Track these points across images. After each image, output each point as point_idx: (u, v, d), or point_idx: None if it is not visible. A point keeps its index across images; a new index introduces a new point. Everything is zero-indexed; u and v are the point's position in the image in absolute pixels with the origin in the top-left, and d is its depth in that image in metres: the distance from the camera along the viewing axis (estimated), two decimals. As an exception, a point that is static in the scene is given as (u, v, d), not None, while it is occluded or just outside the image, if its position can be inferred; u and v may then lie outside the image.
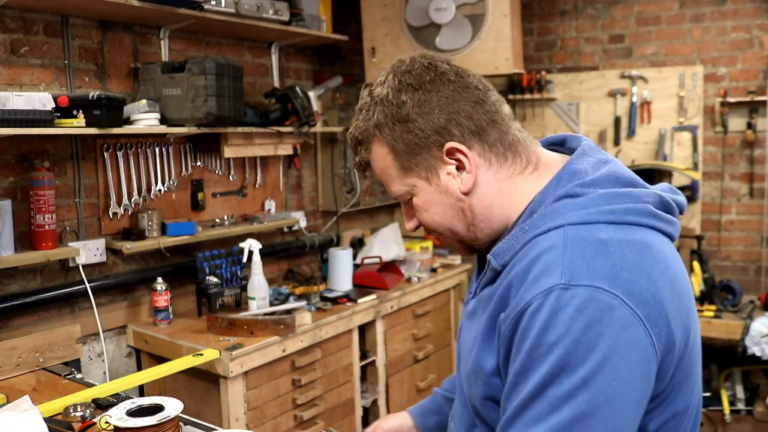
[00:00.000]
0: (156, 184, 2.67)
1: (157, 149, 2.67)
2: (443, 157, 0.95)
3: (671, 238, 0.92)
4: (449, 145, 0.94)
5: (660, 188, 0.98)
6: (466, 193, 0.96)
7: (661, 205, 0.92)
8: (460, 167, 0.95)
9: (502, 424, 0.87)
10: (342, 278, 3.07)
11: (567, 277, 0.81)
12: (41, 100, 2.04)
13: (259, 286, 2.64)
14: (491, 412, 0.93)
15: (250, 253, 2.69)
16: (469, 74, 0.98)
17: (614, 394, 0.79)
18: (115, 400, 1.75)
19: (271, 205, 3.22)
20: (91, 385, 1.97)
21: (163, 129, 2.47)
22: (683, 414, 0.88)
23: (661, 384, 0.84)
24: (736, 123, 3.51)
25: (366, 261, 3.23)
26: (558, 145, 1.05)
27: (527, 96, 3.88)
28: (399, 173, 0.98)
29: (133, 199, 2.59)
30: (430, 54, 1.00)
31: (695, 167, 3.58)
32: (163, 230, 2.64)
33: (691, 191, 3.60)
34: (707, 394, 3.26)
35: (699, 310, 3.18)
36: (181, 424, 1.55)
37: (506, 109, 0.98)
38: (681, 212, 0.98)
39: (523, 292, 0.84)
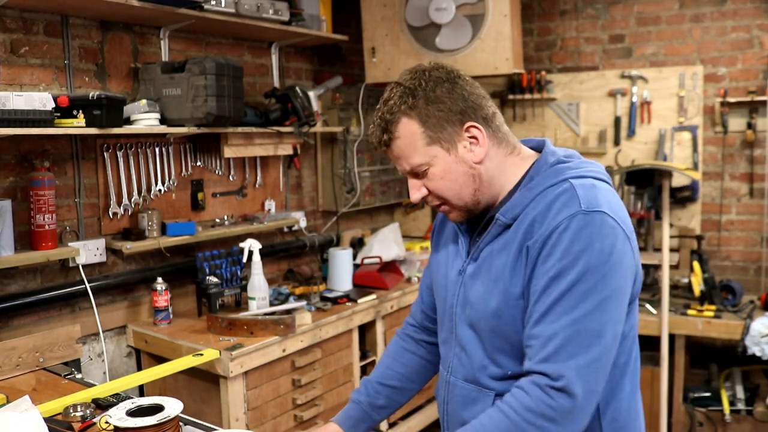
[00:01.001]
0: (156, 184, 2.67)
1: (157, 149, 2.67)
2: (462, 133, 1.20)
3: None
4: (469, 123, 1.20)
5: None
6: (477, 163, 1.21)
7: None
8: (474, 142, 1.21)
9: (534, 320, 1.13)
10: (342, 278, 3.07)
11: (585, 206, 1.12)
12: (41, 100, 2.04)
13: (259, 286, 2.64)
14: (518, 330, 1.18)
15: (250, 253, 2.70)
16: (475, 82, 1.24)
17: (619, 286, 1.12)
18: (115, 400, 1.75)
19: (271, 205, 3.22)
20: (91, 385, 1.97)
21: (163, 129, 2.47)
22: (635, 326, 1.25)
23: (635, 288, 1.19)
24: (736, 123, 3.51)
25: (366, 261, 3.23)
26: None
27: (527, 96, 3.88)
28: (424, 144, 1.20)
29: (133, 199, 2.59)
30: (445, 63, 1.25)
31: (695, 167, 3.58)
32: (163, 230, 2.64)
33: (691, 191, 3.60)
34: (707, 394, 3.26)
35: (699, 310, 3.18)
36: (181, 424, 1.55)
37: (499, 111, 1.28)
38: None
39: (550, 221, 1.13)
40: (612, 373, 1.18)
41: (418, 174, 1.23)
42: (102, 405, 1.74)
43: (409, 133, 1.20)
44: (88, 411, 1.69)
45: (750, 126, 3.45)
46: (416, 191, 1.25)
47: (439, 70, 1.21)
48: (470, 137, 1.21)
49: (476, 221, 1.30)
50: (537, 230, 1.15)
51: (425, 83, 1.20)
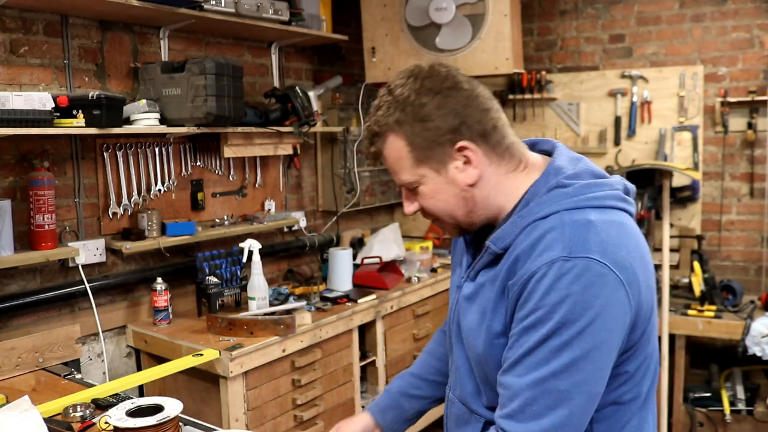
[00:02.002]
0: (156, 184, 2.67)
1: (156, 149, 2.67)
2: (453, 153, 1.10)
3: (632, 216, 1.13)
4: (461, 143, 1.09)
5: (619, 177, 1.18)
6: (471, 185, 1.12)
7: (625, 190, 1.15)
8: (467, 162, 1.10)
9: (504, 368, 1.06)
10: (342, 278, 3.07)
11: (567, 251, 1.00)
12: (41, 99, 2.04)
13: (259, 286, 2.64)
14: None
15: (250, 253, 2.69)
16: (479, 85, 1.13)
17: (602, 341, 1.00)
18: (114, 401, 1.75)
19: (271, 205, 3.22)
20: (90, 386, 1.97)
21: (163, 129, 2.47)
22: (650, 358, 1.12)
23: (635, 333, 1.06)
24: (737, 123, 3.51)
25: (366, 261, 3.23)
26: (530, 147, 1.22)
27: (527, 96, 3.87)
28: (412, 164, 1.12)
29: (132, 199, 2.59)
30: (447, 63, 1.15)
31: (695, 167, 3.58)
32: (163, 230, 2.63)
33: (691, 191, 3.60)
34: (707, 395, 3.26)
35: (699, 310, 3.18)
36: (180, 424, 1.55)
37: (504, 117, 1.15)
38: (633, 196, 1.18)
39: (530, 264, 1.03)
40: (612, 410, 1.10)
41: (411, 189, 1.16)
42: (102, 405, 1.73)
43: (396, 150, 1.12)
44: (87, 411, 1.69)
45: (750, 126, 3.45)
46: (409, 204, 1.18)
47: (433, 78, 1.10)
48: (463, 156, 1.10)
49: (483, 235, 1.20)
50: (519, 269, 1.05)
51: (415, 95, 1.09)
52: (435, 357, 1.46)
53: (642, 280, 1.04)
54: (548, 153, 1.19)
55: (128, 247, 2.46)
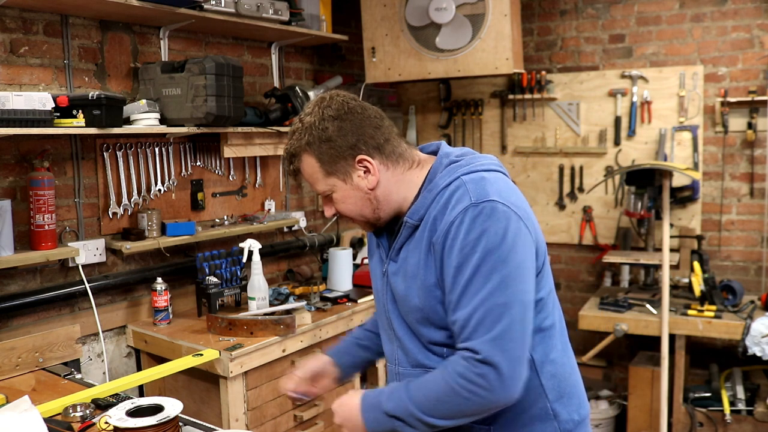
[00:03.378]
0: (156, 184, 2.67)
1: (156, 149, 2.67)
2: (355, 165, 1.35)
3: (508, 177, 1.41)
4: (359, 156, 1.34)
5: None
6: (371, 189, 1.36)
7: (498, 164, 1.43)
8: (367, 171, 1.36)
9: (453, 306, 1.27)
10: (342, 278, 3.07)
11: (474, 199, 1.27)
12: (41, 99, 2.04)
13: (259, 286, 2.64)
14: (441, 317, 1.33)
15: (250, 253, 2.69)
16: (370, 107, 1.39)
17: (520, 260, 1.26)
18: (114, 401, 1.75)
19: (271, 205, 3.22)
20: (90, 386, 1.97)
21: (163, 129, 2.47)
22: (553, 291, 1.41)
23: (539, 261, 1.33)
24: (737, 123, 3.51)
25: (366, 261, 3.23)
26: (420, 151, 1.48)
27: (527, 96, 3.87)
28: (323, 176, 1.36)
29: (132, 199, 2.59)
30: (344, 93, 1.41)
31: (695, 167, 3.58)
32: (163, 230, 2.63)
33: (691, 191, 3.60)
34: (707, 394, 3.26)
35: (699, 311, 3.17)
36: (180, 424, 1.55)
37: (395, 130, 1.43)
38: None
39: (447, 217, 1.28)
40: (540, 336, 1.35)
41: (326, 196, 1.40)
42: (101, 405, 1.73)
43: (309, 166, 1.36)
44: (87, 411, 1.69)
45: (750, 126, 3.45)
46: (328, 209, 1.42)
47: (331, 108, 1.35)
48: (363, 167, 1.34)
49: (392, 226, 1.45)
50: (438, 226, 1.29)
51: (318, 122, 1.34)
52: (369, 331, 1.69)
53: (533, 219, 1.33)
54: (434, 153, 1.44)
55: (128, 247, 2.46)
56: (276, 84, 3.21)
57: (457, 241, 1.26)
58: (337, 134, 1.34)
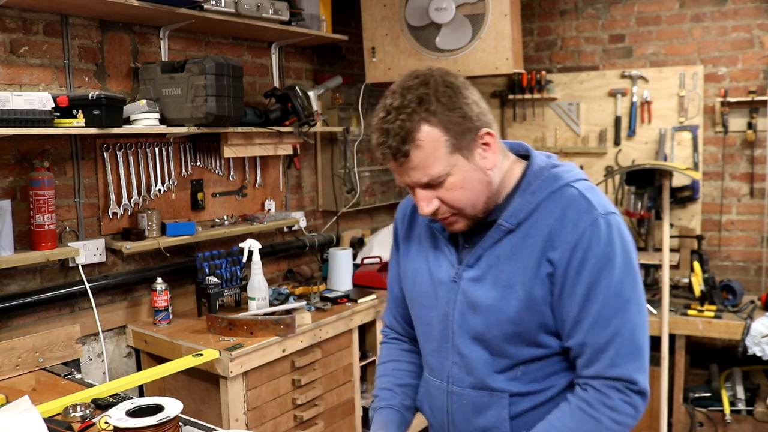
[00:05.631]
0: (156, 184, 2.67)
1: (156, 149, 2.67)
2: (477, 139, 1.18)
3: None
4: (484, 129, 1.18)
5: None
6: (490, 169, 1.20)
7: None
8: (486, 149, 1.19)
9: (585, 327, 1.16)
10: (342, 278, 3.07)
11: (601, 209, 1.18)
12: (41, 99, 2.04)
13: (259, 286, 2.64)
14: (544, 338, 1.22)
15: (250, 253, 2.69)
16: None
17: (639, 279, 1.21)
18: (114, 401, 1.75)
19: (271, 205, 3.22)
20: (90, 386, 1.97)
21: (163, 129, 2.47)
22: None
23: None
24: (737, 123, 3.51)
25: (366, 261, 3.23)
26: None
27: (527, 96, 3.87)
28: (447, 152, 1.15)
29: (132, 199, 2.59)
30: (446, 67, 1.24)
31: (695, 167, 3.58)
32: (163, 230, 2.63)
33: (691, 191, 3.60)
34: (707, 394, 3.26)
35: (699, 311, 3.17)
36: (180, 424, 1.55)
37: None
38: None
39: (572, 229, 1.16)
40: None
41: (433, 185, 1.19)
42: (101, 405, 1.73)
43: (432, 141, 1.14)
44: (87, 411, 1.69)
45: (750, 126, 3.45)
46: (427, 204, 1.20)
47: (448, 76, 1.18)
48: (483, 144, 1.19)
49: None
50: (559, 241, 1.17)
51: (440, 89, 1.15)
52: (405, 361, 1.49)
53: None
54: (515, 152, 1.32)
55: (128, 247, 2.46)
56: (276, 84, 3.21)
57: (589, 257, 1.15)
58: (464, 102, 1.16)
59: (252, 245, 2.69)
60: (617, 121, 3.75)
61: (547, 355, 1.23)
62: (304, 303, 2.70)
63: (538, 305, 1.19)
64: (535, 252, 1.19)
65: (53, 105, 2.08)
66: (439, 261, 1.31)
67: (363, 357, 2.95)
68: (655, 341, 3.20)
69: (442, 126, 1.14)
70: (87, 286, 2.41)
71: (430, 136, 1.14)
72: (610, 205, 1.20)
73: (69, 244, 2.39)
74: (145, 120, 2.40)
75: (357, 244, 3.56)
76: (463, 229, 1.25)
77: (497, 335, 1.23)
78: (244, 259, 2.72)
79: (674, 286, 3.50)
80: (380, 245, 3.30)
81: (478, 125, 1.17)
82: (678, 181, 3.54)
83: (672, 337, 3.16)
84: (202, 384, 2.42)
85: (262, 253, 2.71)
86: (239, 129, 2.71)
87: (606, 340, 1.15)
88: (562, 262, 1.16)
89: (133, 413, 1.41)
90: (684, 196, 3.61)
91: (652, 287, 3.58)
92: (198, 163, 2.87)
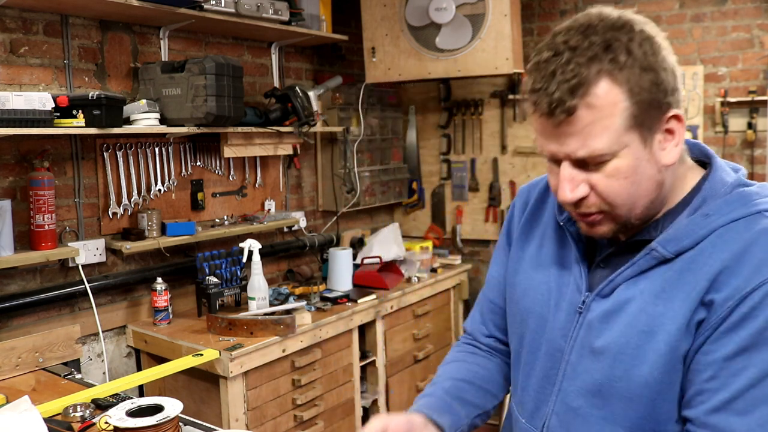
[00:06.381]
0: (156, 184, 2.67)
1: (156, 149, 2.67)
2: (663, 121, 0.89)
3: None
4: (674, 111, 0.89)
5: None
6: (667, 165, 0.90)
7: None
8: (668, 138, 0.90)
9: (716, 402, 0.85)
10: (342, 278, 3.07)
11: None
12: (41, 99, 2.04)
13: (259, 286, 2.64)
14: (671, 406, 0.91)
15: (250, 253, 2.69)
16: None
17: None
18: (114, 401, 1.75)
19: (271, 205, 3.22)
20: (90, 386, 1.97)
21: (163, 129, 2.47)
22: None
23: None
24: (737, 123, 3.51)
25: (366, 261, 3.23)
26: None
27: (527, 96, 3.87)
28: (623, 125, 0.85)
29: (132, 199, 2.59)
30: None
31: (695, 167, 3.58)
32: (163, 230, 2.63)
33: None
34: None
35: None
36: (180, 424, 1.55)
37: None
38: None
39: (752, 273, 0.84)
40: None
41: (588, 164, 0.88)
42: (101, 405, 1.73)
43: (609, 104, 0.84)
44: (87, 411, 1.69)
45: (750, 126, 3.45)
46: (575, 187, 0.90)
47: (649, 25, 0.89)
48: (667, 130, 0.89)
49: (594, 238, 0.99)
50: (728, 282, 0.85)
51: (636, 38, 0.86)
52: (471, 363, 1.21)
53: None
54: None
55: (128, 247, 2.46)
56: (276, 84, 3.21)
57: (761, 312, 0.83)
58: (662, 66, 0.87)
59: (252, 245, 2.69)
60: (617, 121, 3.75)
61: None
62: (304, 303, 2.70)
63: (678, 364, 0.89)
64: (694, 294, 0.87)
65: (53, 105, 2.08)
66: (564, 278, 1.02)
67: (363, 357, 2.95)
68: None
69: (627, 87, 0.84)
70: (87, 286, 2.41)
71: (609, 95, 0.84)
72: None
73: (69, 244, 2.39)
74: (145, 120, 2.40)
75: (357, 244, 3.56)
76: (607, 234, 0.94)
77: (617, 393, 0.92)
78: (244, 259, 2.72)
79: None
80: (380, 245, 3.31)
81: (669, 102, 0.87)
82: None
83: None
84: (202, 384, 2.42)
85: (262, 253, 2.71)
86: (239, 129, 2.71)
87: (746, 428, 0.83)
88: (722, 309, 0.85)
89: (133, 413, 1.41)
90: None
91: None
92: (198, 163, 2.87)
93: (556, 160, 0.91)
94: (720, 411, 0.84)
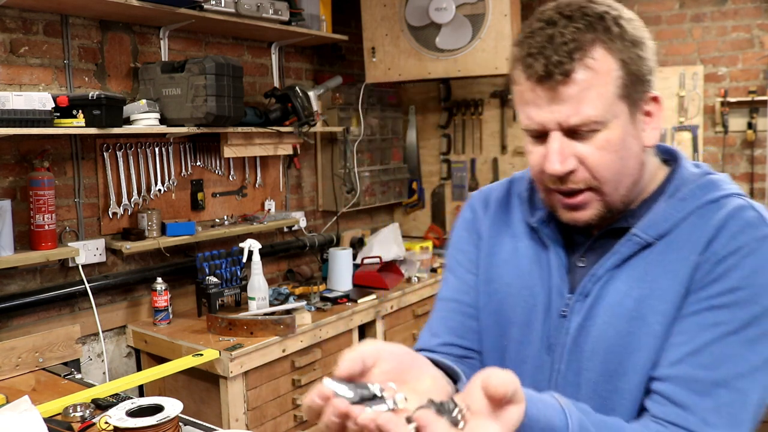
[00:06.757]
0: (156, 184, 2.67)
1: (156, 149, 2.67)
2: (646, 100, 0.91)
3: None
4: (654, 92, 0.91)
5: None
6: (647, 146, 0.92)
7: None
8: (648, 120, 0.92)
9: (685, 352, 0.85)
10: (342, 278, 3.07)
11: None
12: (41, 99, 2.04)
13: (259, 286, 2.64)
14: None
15: (250, 253, 2.69)
16: None
17: None
18: (114, 401, 1.75)
19: (271, 205, 3.22)
20: (90, 386, 1.97)
21: (163, 129, 2.47)
22: None
23: None
24: (737, 123, 3.51)
25: (366, 261, 3.23)
26: None
27: (527, 96, 3.87)
28: (615, 93, 0.86)
29: (132, 199, 2.59)
30: None
31: (695, 167, 3.58)
32: (163, 230, 2.63)
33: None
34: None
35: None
36: (180, 424, 1.55)
37: None
38: None
39: (730, 239, 0.87)
40: None
41: (578, 134, 0.87)
42: (101, 405, 1.73)
43: (605, 70, 0.85)
44: (87, 411, 1.69)
45: (750, 126, 3.45)
46: (564, 158, 0.88)
47: (629, 12, 0.92)
48: (647, 112, 0.91)
49: (568, 235, 0.98)
50: (711, 248, 0.88)
51: (626, 14, 0.90)
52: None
53: None
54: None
55: (128, 247, 2.46)
56: (276, 84, 3.21)
57: (734, 273, 0.85)
58: (648, 43, 0.90)
59: (252, 245, 2.69)
60: (617, 121, 3.75)
61: None
62: (304, 303, 2.71)
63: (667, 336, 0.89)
64: (684, 271, 0.88)
65: (53, 105, 2.08)
66: (544, 283, 0.99)
67: (363, 357, 2.94)
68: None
69: (619, 57, 0.86)
70: (87, 286, 2.41)
71: (604, 62, 0.85)
72: None
73: (69, 244, 2.39)
74: (145, 120, 2.40)
75: (357, 244, 3.56)
76: (592, 218, 0.92)
77: (619, 387, 0.90)
78: (244, 259, 2.72)
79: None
80: (380, 245, 3.31)
81: (651, 80, 0.90)
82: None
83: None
84: (202, 384, 2.42)
85: (262, 253, 2.71)
86: (239, 129, 2.71)
87: (709, 383, 0.83)
88: (700, 271, 0.87)
89: (133, 413, 1.41)
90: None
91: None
92: (198, 163, 2.87)
93: (543, 135, 0.90)
94: (683, 362, 0.85)
